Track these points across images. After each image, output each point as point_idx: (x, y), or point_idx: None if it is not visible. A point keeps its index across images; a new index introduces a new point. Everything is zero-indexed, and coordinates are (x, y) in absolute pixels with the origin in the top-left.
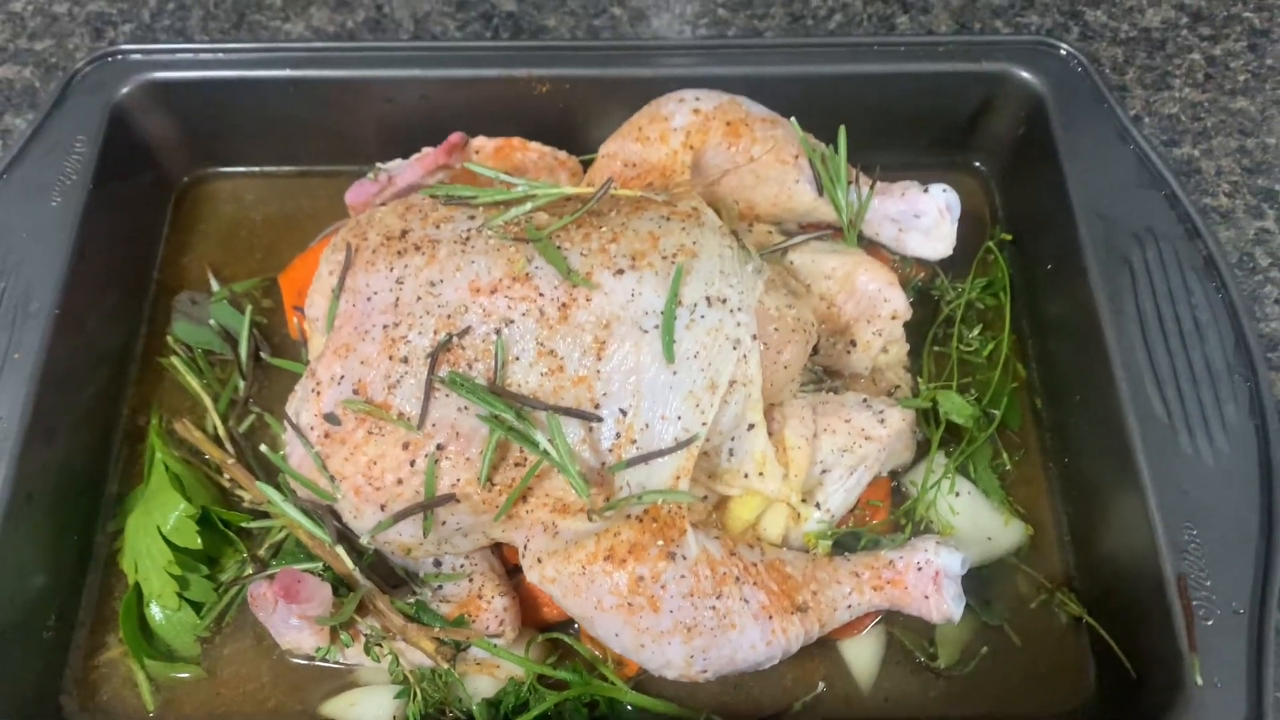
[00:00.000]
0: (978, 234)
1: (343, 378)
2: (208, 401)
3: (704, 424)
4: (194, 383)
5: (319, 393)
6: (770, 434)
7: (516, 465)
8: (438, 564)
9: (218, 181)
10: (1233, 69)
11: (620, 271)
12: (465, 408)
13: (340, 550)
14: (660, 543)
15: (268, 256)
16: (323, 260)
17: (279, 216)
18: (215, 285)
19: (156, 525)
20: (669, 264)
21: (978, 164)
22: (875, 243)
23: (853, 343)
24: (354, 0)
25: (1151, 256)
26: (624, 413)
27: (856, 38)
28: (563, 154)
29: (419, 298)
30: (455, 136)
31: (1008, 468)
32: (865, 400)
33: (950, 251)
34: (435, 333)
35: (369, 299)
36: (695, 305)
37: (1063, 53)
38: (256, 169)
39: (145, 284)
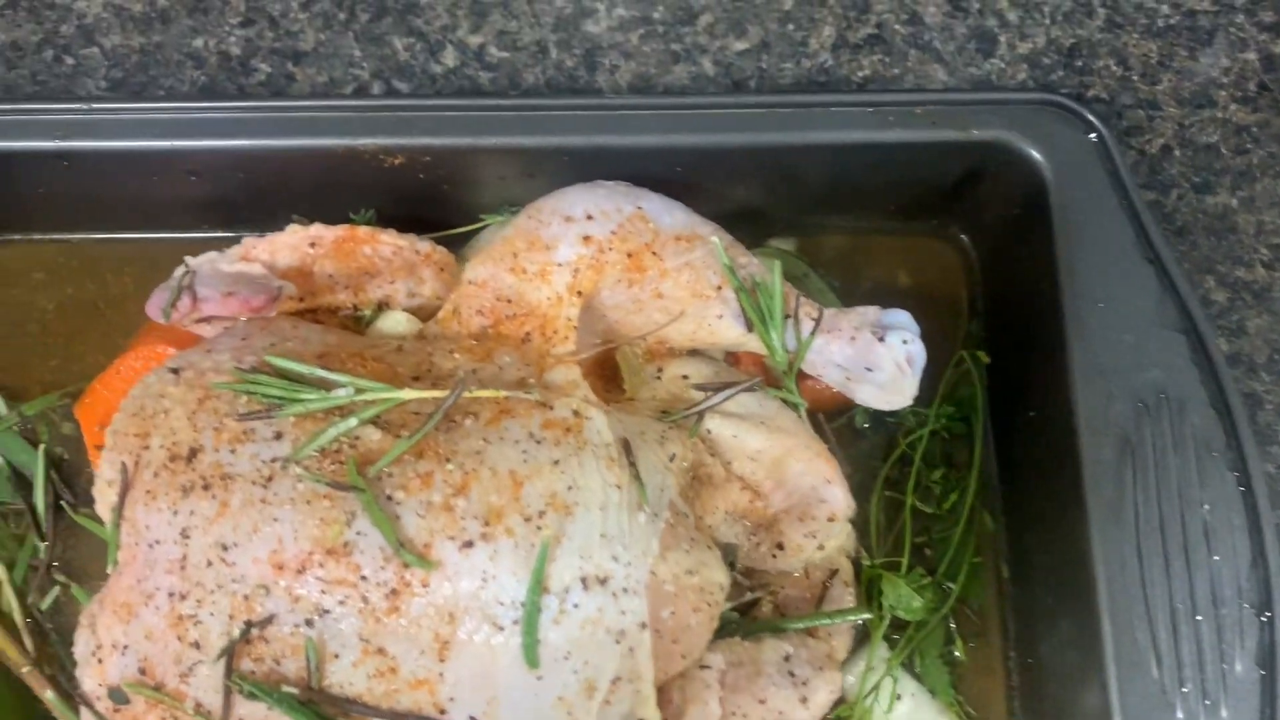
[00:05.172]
0: (952, 328)
1: (126, 648)
2: (1, 572)
3: None
4: None
5: (101, 660)
6: None
7: None
8: None
9: None
10: None
11: (468, 544)
12: None
13: None
14: None
15: (65, 361)
16: (105, 451)
17: (76, 303)
18: (1, 405)
19: None
20: (533, 529)
21: (962, 235)
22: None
23: (780, 545)
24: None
25: (1158, 434)
26: None
27: (811, 96)
28: (425, 245)
29: (209, 562)
30: (259, 301)
31: (960, 656)
32: (787, 660)
33: (908, 403)
34: (231, 616)
35: (150, 546)
36: (567, 591)
37: (1085, 120)
38: (44, 236)
39: None
